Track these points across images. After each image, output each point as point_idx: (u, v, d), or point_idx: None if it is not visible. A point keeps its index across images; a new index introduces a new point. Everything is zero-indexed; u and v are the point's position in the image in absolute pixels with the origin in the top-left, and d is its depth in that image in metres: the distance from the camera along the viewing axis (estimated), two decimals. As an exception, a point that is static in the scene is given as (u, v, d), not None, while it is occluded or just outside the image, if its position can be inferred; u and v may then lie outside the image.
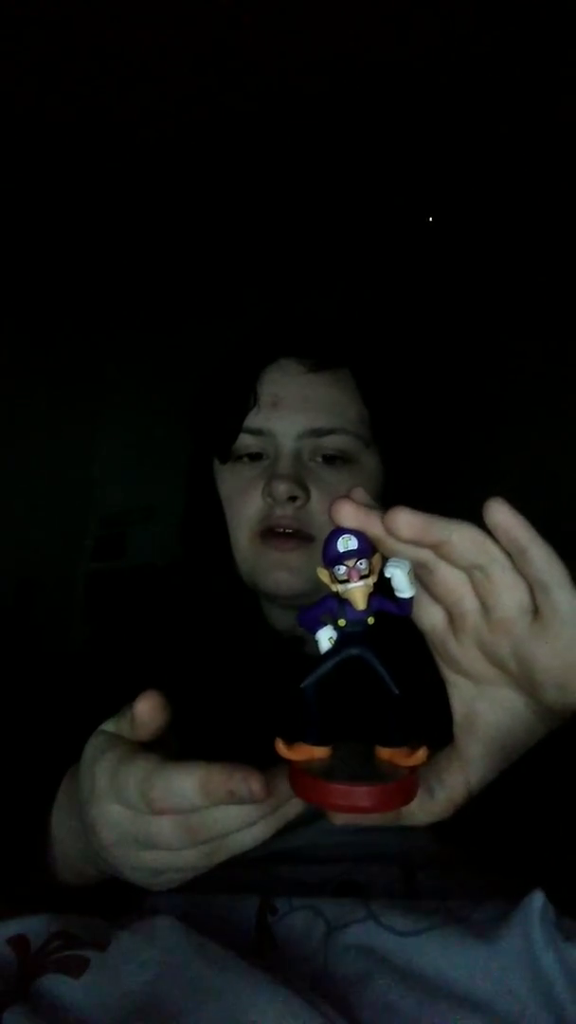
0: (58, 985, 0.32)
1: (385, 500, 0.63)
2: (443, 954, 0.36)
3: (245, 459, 0.63)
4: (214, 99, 1.42)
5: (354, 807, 0.31)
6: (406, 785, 0.33)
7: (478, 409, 1.52)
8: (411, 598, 0.34)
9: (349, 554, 0.33)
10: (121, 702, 0.38)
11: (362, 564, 0.33)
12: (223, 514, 0.63)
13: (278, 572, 0.60)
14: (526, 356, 1.51)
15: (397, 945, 0.37)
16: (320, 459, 0.62)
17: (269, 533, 0.60)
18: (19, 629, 2.05)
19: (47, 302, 2.08)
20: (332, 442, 0.61)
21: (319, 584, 0.59)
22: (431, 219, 1.65)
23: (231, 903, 0.41)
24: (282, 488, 0.58)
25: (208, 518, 0.65)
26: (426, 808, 0.37)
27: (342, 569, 0.33)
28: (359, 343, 0.68)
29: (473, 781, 0.37)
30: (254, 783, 0.30)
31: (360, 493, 0.35)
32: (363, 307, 1.68)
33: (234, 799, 0.30)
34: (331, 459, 0.62)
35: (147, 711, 0.36)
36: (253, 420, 0.62)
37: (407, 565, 0.34)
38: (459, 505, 0.36)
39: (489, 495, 0.33)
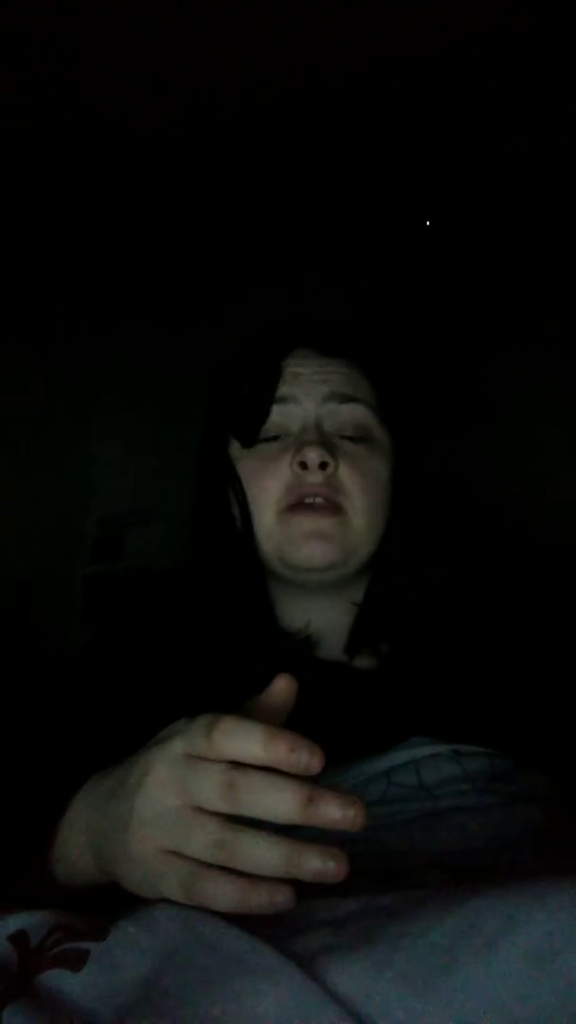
0: (59, 979, 0.32)
1: (397, 481, 0.65)
2: None
3: (263, 441, 0.64)
4: (223, 93, 1.42)
5: None
6: None
7: (478, 402, 1.52)
8: None
9: None
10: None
11: None
12: (232, 506, 0.64)
13: (312, 541, 0.58)
14: (526, 355, 1.51)
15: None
16: (341, 437, 0.63)
17: (299, 507, 0.60)
18: (17, 631, 2.04)
19: (46, 304, 2.08)
20: (352, 412, 0.63)
21: (351, 554, 0.59)
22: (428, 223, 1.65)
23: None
24: (313, 454, 0.58)
25: (219, 510, 0.65)
26: None
27: None
28: (367, 337, 0.71)
29: None
30: (314, 759, 0.31)
31: None
32: (372, 304, 1.68)
33: (291, 762, 0.32)
34: (350, 439, 0.63)
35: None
36: (277, 389, 0.63)
37: None
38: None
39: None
